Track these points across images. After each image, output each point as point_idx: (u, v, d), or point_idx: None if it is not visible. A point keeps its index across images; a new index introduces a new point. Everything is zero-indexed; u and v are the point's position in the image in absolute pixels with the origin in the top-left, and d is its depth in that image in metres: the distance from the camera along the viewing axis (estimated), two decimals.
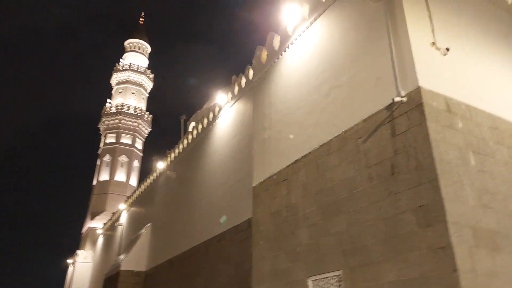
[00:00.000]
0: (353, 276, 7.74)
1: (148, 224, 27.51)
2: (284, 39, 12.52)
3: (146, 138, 57.08)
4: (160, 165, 27.92)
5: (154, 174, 29.25)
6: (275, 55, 12.96)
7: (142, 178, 32.93)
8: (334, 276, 8.31)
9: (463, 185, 6.82)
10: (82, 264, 43.26)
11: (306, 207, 9.57)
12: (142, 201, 31.00)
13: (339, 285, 8.11)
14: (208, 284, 17.29)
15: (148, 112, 57.40)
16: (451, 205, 6.44)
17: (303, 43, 11.51)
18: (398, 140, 7.54)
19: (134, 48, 60.59)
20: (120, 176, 50.98)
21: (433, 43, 8.00)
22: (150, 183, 29.90)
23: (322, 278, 8.60)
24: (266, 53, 13.68)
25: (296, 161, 10.37)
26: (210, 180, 19.99)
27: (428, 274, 6.33)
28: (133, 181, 51.55)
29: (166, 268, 22.41)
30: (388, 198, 7.40)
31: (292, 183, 10.30)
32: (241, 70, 17.67)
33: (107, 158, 52.36)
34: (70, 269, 46.20)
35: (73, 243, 54.12)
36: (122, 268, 25.62)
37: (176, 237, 22.16)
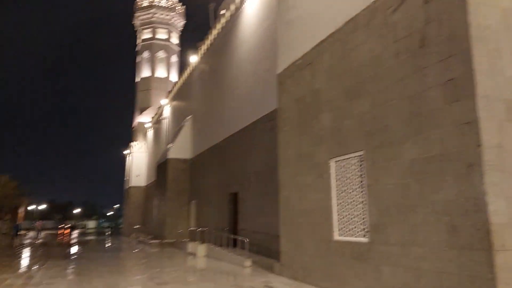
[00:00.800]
0: (374, 156, 7.59)
1: (189, 117, 28.38)
2: None
3: (181, 32, 55.93)
4: (193, 58, 27.62)
5: (189, 68, 29.17)
6: None
7: (181, 73, 33.07)
8: (355, 156, 8.22)
9: (500, 54, 6.01)
10: (137, 154, 46.84)
11: (329, 90, 9.15)
12: (182, 95, 31.61)
13: (360, 165, 8.05)
14: (242, 169, 18.13)
15: (180, 4, 55.26)
16: (483, 77, 5.78)
17: None
18: (430, 7, 6.60)
19: None
20: (160, 72, 51.61)
21: None
22: (187, 77, 30.04)
23: (344, 159, 8.56)
24: None
25: (321, 42, 9.64)
26: (240, 71, 19.63)
27: (450, 150, 6.00)
28: (173, 76, 52.15)
29: (207, 155, 23.63)
30: (415, 74, 6.78)
31: (316, 67, 9.74)
32: None
33: (145, 54, 52.57)
34: (128, 158, 50.34)
35: (127, 136, 57.97)
36: (170, 156, 27.37)
37: (214, 127, 22.83)
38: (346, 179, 8.49)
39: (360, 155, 8.05)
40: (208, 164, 23.11)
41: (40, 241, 33.08)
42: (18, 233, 27.53)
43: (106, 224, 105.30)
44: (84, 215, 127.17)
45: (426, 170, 6.39)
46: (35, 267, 13.83)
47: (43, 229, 45.26)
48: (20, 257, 18.42)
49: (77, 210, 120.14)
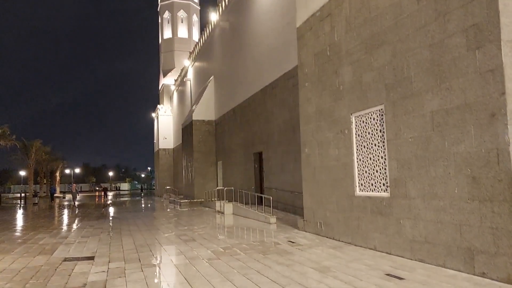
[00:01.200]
0: (394, 109, 7.39)
1: (211, 77, 28.29)
2: None
3: None
4: (214, 16, 27.09)
5: (210, 27, 28.70)
6: None
7: (202, 32, 32.63)
8: (376, 110, 8.03)
9: None
10: (163, 117, 47.61)
11: (349, 43, 8.83)
12: (203, 55, 31.36)
13: (381, 119, 7.88)
14: (265, 127, 18.14)
15: None
16: (508, 20, 5.39)
17: None
18: None
19: None
20: (182, 32, 51.15)
21: None
22: (207, 36, 29.63)
23: (365, 114, 8.38)
24: None
25: None
26: (260, 27, 19.16)
27: (472, 100, 5.76)
28: (195, 36, 51.61)
29: (231, 116, 23.72)
30: (436, 20, 6.41)
31: (335, 18, 9.35)
32: None
33: (166, 15, 52.01)
34: (156, 121, 51.35)
35: (154, 99, 58.76)
36: (194, 118, 27.67)
37: (236, 87, 22.71)
38: (367, 134, 8.36)
39: (381, 109, 7.85)
40: (233, 124, 23.23)
41: (76, 203, 34.89)
42: (54, 195, 28.96)
43: (139, 186, 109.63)
44: (118, 178, 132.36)
45: (447, 122, 6.19)
46: (70, 226, 14.69)
47: (78, 191, 47.50)
48: (56, 218, 19.57)
49: (110, 173, 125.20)
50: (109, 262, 7.69)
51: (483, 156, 5.60)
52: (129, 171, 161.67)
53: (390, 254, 7.46)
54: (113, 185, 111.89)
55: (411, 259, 6.91)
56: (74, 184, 44.96)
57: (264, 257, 7.64)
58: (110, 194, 58.30)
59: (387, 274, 6.00)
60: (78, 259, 8.12)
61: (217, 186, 25.29)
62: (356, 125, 8.70)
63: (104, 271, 6.87)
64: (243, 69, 21.33)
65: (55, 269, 7.14)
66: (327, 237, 9.67)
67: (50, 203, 27.69)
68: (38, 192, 37.19)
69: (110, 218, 18.14)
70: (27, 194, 45.88)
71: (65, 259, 8.10)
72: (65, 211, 24.26)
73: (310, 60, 10.55)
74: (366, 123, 8.38)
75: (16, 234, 12.91)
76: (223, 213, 17.71)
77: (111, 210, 24.49)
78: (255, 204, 16.80)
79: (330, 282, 5.72)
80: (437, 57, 6.41)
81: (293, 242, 9.24)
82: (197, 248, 8.96)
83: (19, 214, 23.24)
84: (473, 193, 5.75)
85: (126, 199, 44.95)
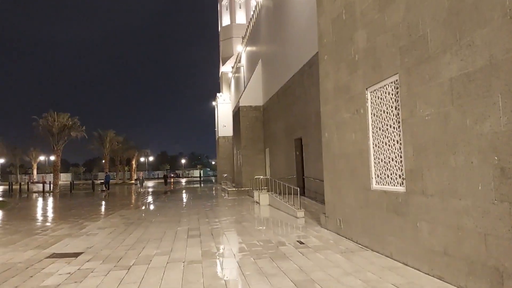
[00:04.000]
0: (409, 79, 5.69)
1: (259, 61, 27.19)
2: None
3: None
4: None
5: (258, 7, 27.51)
6: None
7: (252, 15, 31.55)
8: (390, 83, 6.35)
9: None
10: (222, 105, 47.61)
11: (363, 1, 7.15)
12: (253, 38, 30.32)
13: (396, 93, 6.20)
14: (304, 110, 16.67)
15: None
16: None
17: None
18: None
19: None
20: (240, 17, 50.46)
21: None
22: (256, 18, 28.48)
23: (380, 88, 6.72)
24: None
25: None
26: (299, 2, 17.55)
27: (500, 58, 3.99)
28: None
29: (275, 100, 22.47)
30: None
31: None
32: None
33: (225, 1, 51.64)
34: (216, 109, 51.71)
35: (215, 87, 59.38)
36: (242, 104, 26.88)
37: (279, 69, 21.38)
38: (382, 113, 6.70)
39: (396, 80, 6.17)
40: (277, 109, 21.98)
41: (141, 190, 36.23)
42: (109, 183, 30.06)
43: (211, 173, 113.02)
44: (190, 165, 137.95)
45: (469, 92, 4.45)
46: (99, 216, 14.71)
47: (144, 178, 49.52)
48: (98, 207, 19.81)
49: (183, 160, 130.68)
50: (88, 260, 7.09)
51: None
52: (202, 158, 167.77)
53: (406, 265, 5.85)
54: (186, 172, 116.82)
55: (428, 275, 5.29)
56: (142, 173, 47.03)
57: (254, 262, 6.48)
58: (183, 181, 59.28)
59: None
60: (64, 255, 7.65)
61: (265, 175, 24.30)
62: (372, 103, 7.06)
63: (69, 273, 6.23)
64: (284, 49, 19.89)
65: (27, 268, 6.68)
66: (345, 237, 8.19)
67: (105, 190, 28.62)
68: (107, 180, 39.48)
69: (148, 207, 18.10)
70: (99, 181, 49.09)
71: (51, 255, 7.67)
72: (117, 199, 25.00)
73: (328, 27, 8.96)
74: (381, 99, 6.72)
75: (38, 224, 13.10)
76: (259, 203, 16.70)
77: (161, 197, 24.72)
78: (297, 194, 15.52)
79: None
80: (455, 2, 4.64)
81: (301, 243, 7.92)
82: (191, 247, 8.04)
83: (77, 202, 24.34)
84: (502, 190, 4.02)
85: (192, 186, 45.73)
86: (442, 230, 5.02)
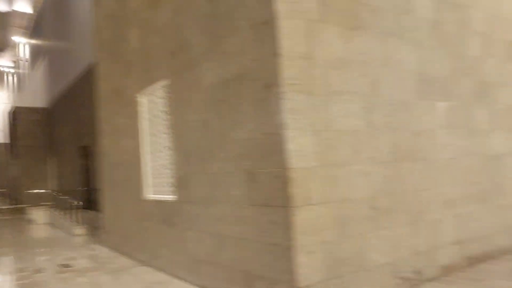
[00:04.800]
0: (177, 84, 5.49)
1: (44, 57, 23.68)
2: None
3: None
4: None
5: None
6: None
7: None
8: (162, 87, 6.07)
9: None
10: None
11: None
12: (37, 31, 26.29)
13: (168, 97, 5.94)
14: (91, 114, 15.20)
15: None
16: None
17: None
18: None
19: None
20: (22, 5, 43.43)
21: None
22: (41, 8, 24.76)
23: (152, 92, 6.37)
24: None
25: None
26: None
27: (248, 66, 4.10)
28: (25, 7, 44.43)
29: (62, 102, 19.86)
30: None
31: None
32: None
33: None
34: None
35: None
36: (18, 105, 22.81)
37: (65, 68, 19.01)
38: (156, 119, 6.37)
39: (166, 85, 5.91)
40: (63, 112, 19.46)
41: None
42: None
43: None
44: None
45: (226, 99, 4.47)
46: None
47: None
48: None
49: None
50: None
51: (260, 143, 3.98)
52: None
53: (177, 277, 5.60)
54: None
55: (195, 285, 5.14)
56: None
57: None
58: None
59: None
60: None
61: (50, 187, 21.19)
62: (146, 108, 6.64)
63: None
64: (72, 45, 17.79)
65: None
66: (124, 254, 7.50)
67: None
68: None
69: None
70: None
71: None
72: None
73: (104, 23, 8.17)
74: (154, 104, 6.38)
75: None
76: (37, 222, 14.25)
77: None
78: (80, 208, 13.76)
79: None
80: (215, 8, 4.64)
81: (68, 266, 6.82)
82: None
83: None
84: (252, 195, 4.13)
85: None
86: (206, 238, 4.94)
